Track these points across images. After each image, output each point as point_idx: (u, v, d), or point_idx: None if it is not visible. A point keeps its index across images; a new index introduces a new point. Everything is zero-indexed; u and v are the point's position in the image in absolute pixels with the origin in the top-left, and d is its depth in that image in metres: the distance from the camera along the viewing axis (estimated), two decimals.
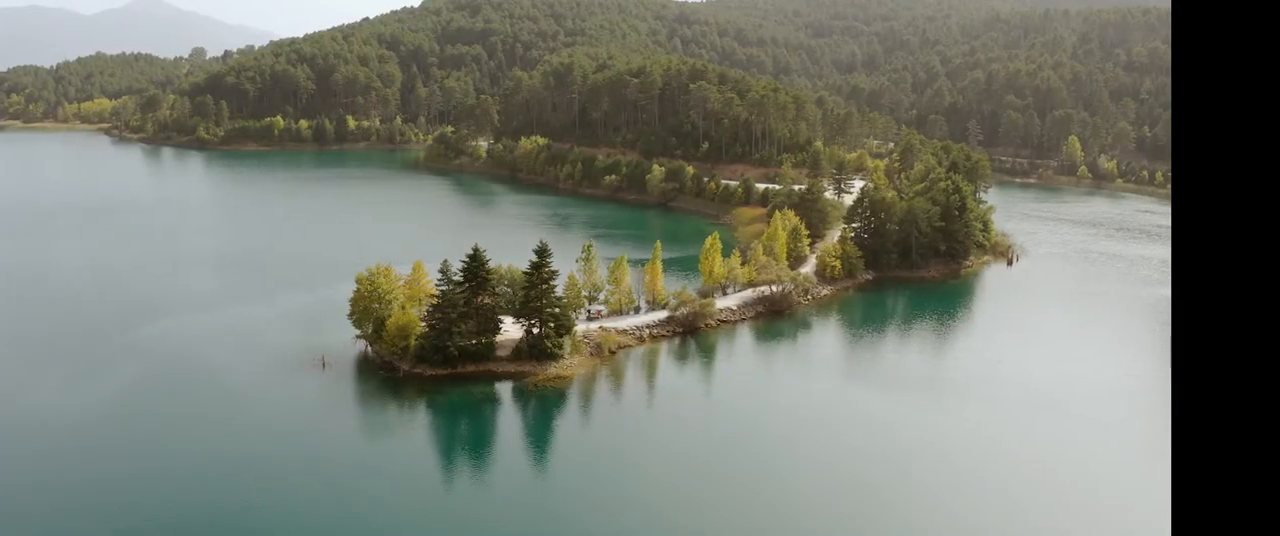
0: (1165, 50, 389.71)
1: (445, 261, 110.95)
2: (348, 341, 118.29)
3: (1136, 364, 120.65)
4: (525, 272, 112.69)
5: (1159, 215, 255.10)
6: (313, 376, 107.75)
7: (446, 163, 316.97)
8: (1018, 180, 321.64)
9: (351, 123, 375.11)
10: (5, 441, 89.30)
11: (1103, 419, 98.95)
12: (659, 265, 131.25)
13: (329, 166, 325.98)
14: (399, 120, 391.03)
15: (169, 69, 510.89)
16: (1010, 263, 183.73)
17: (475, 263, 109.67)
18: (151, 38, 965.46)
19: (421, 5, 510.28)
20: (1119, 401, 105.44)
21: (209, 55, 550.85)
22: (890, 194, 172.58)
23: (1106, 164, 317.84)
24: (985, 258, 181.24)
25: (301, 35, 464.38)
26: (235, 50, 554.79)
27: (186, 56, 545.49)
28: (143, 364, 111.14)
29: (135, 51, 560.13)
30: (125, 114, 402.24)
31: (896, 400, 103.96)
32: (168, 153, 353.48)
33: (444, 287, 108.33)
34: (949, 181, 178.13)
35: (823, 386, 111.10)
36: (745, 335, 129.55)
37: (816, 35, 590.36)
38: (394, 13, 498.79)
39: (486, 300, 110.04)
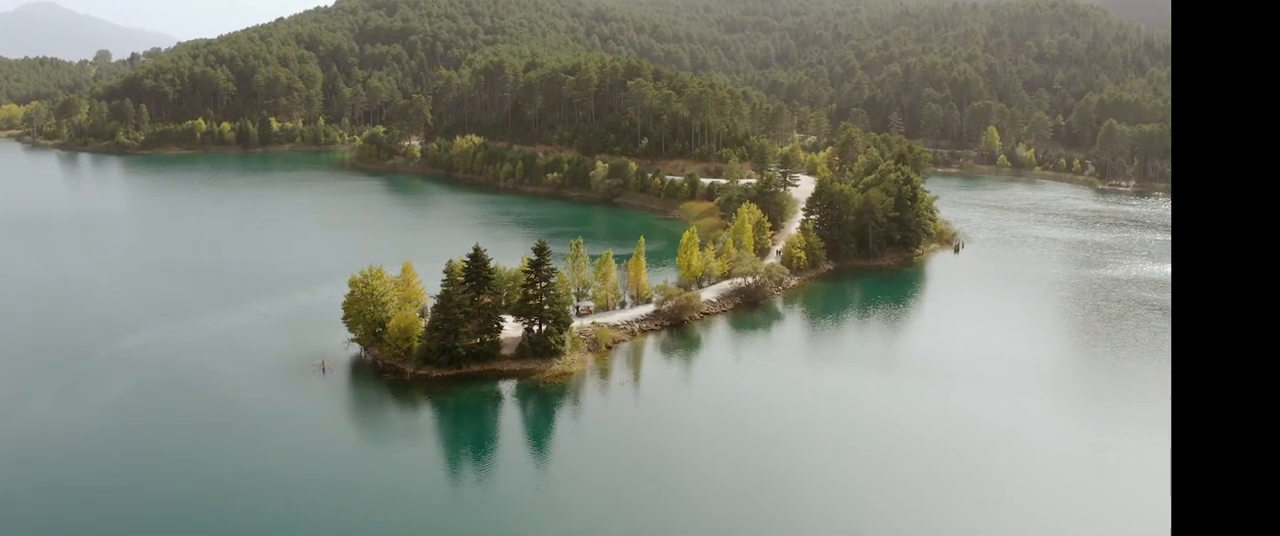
0: (1073, 41, 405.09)
1: (450, 261, 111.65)
2: (339, 345, 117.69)
3: (1088, 342, 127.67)
4: (525, 271, 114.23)
5: (1085, 200, 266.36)
6: (315, 383, 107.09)
7: (379, 163, 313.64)
8: (939, 170, 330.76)
9: (275, 124, 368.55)
10: (4, 458, 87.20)
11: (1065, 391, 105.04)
12: (642, 261, 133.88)
13: (256, 169, 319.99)
14: (322, 121, 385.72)
15: (76, 73, 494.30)
16: (956, 250, 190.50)
17: (476, 262, 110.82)
18: (47, 41, 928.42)
19: (335, 4, 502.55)
20: (1069, 375, 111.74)
21: (114, 58, 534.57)
22: (846, 186, 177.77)
23: (1025, 153, 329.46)
24: (933, 245, 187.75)
25: (213, 37, 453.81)
26: (141, 53, 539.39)
27: (92, 60, 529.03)
28: (134, 377, 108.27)
29: (32, 56, 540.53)
30: (38, 119, 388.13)
31: (892, 385, 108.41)
32: (85, 159, 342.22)
33: (447, 287, 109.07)
34: (899, 173, 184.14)
35: (814, 373, 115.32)
36: (728, 326, 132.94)
37: (729, 31, 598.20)
38: (309, 12, 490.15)
39: (487, 299, 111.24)
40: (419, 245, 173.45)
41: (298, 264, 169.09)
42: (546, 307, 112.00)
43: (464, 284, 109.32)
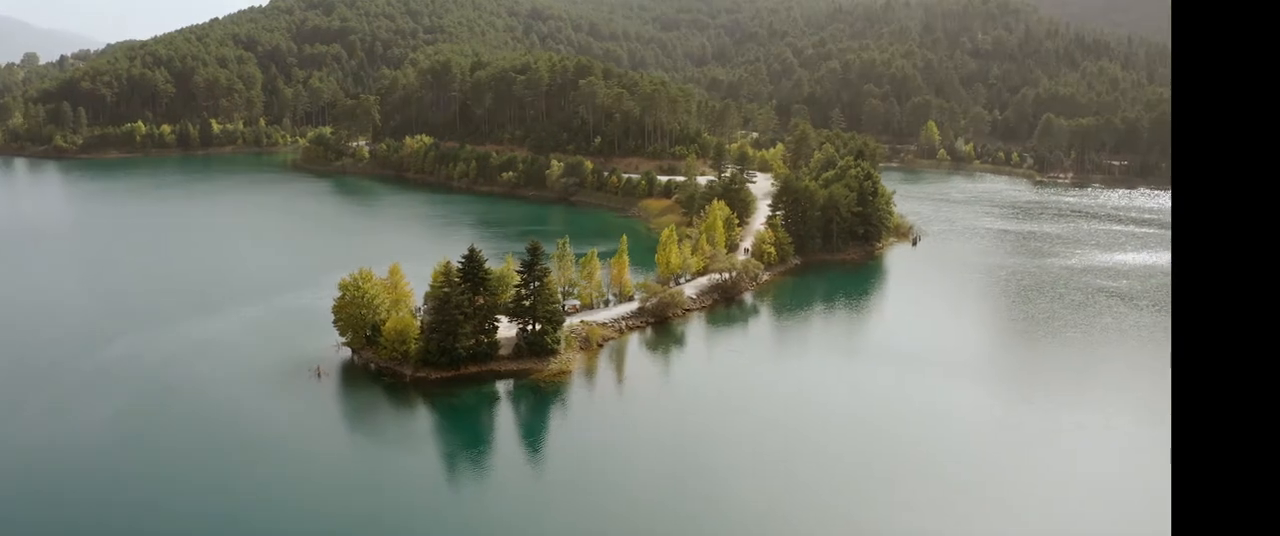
0: (1007, 37, 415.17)
1: (448, 261, 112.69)
2: (329, 349, 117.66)
3: (1058, 329, 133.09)
4: (517, 271, 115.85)
5: (1025, 192, 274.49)
6: (313, 388, 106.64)
7: (326, 164, 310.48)
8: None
9: (216, 126, 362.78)
10: (5, 470, 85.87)
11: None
12: (625, 259, 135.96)
13: (200, 172, 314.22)
14: (263, 122, 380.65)
15: (3, 76, 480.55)
16: (914, 243, 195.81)
17: (472, 262, 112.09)
18: None
19: (270, 4, 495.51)
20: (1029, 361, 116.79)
21: (42, 61, 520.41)
22: (810, 182, 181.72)
23: (964, 147, 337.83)
24: (892, 239, 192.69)
25: (144, 38, 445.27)
26: (70, 55, 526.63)
27: (19, 62, 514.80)
28: (126, 388, 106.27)
29: None
30: None
31: (883, 379, 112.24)
32: (21, 164, 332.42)
33: (445, 288, 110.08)
34: (859, 169, 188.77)
35: (799, 364, 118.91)
36: (710, 322, 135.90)
37: (665, 29, 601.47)
38: (244, 12, 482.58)
39: (483, 300, 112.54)
40: (388, 247, 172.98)
41: (266, 268, 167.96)
42: (540, 307, 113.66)
43: (461, 284, 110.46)
